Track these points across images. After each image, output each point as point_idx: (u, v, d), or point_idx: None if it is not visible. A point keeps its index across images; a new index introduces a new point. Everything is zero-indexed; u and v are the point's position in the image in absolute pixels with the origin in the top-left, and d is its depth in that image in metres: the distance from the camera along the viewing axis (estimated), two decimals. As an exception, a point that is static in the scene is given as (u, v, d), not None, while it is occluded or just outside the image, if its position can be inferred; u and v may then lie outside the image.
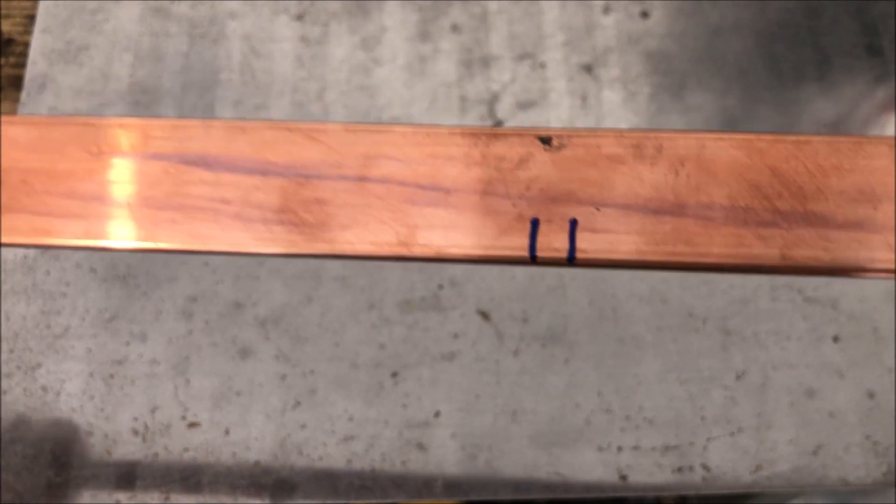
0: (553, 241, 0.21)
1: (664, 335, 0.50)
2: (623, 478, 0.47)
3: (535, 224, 0.21)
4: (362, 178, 0.21)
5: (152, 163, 0.21)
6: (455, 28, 0.58)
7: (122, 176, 0.21)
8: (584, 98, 0.56)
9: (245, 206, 0.21)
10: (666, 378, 0.49)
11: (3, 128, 0.21)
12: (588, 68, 0.57)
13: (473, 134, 0.22)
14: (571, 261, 0.21)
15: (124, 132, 0.22)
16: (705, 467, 0.47)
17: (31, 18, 0.60)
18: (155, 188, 0.21)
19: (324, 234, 0.21)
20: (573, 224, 0.21)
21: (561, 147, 0.21)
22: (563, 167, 0.21)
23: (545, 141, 0.21)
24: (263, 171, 0.21)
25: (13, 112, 0.66)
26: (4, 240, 0.21)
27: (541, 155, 0.21)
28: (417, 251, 0.21)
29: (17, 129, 0.22)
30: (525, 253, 0.21)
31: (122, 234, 0.21)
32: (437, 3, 0.59)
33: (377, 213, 0.21)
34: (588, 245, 0.21)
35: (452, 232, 0.21)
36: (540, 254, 0.21)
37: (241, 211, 0.21)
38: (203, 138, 0.21)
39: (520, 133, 0.22)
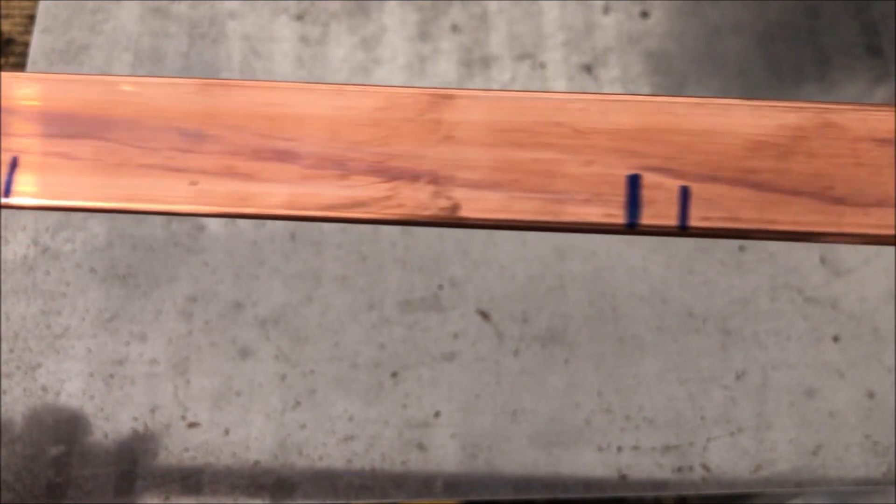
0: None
1: (664, 335, 0.50)
2: (623, 477, 0.47)
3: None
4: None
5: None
6: (455, 28, 0.58)
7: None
8: (584, 98, 0.56)
9: None
10: (666, 378, 0.49)
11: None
12: (588, 68, 0.57)
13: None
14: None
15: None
16: (705, 467, 0.47)
17: (31, 18, 0.60)
18: None
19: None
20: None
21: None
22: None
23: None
24: None
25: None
26: None
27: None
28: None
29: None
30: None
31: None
32: (437, 3, 0.59)
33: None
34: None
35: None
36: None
37: None
38: None
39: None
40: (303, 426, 0.48)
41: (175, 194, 0.21)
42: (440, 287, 0.51)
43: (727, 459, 0.47)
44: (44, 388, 0.48)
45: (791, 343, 0.50)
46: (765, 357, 0.49)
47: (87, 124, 0.22)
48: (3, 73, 0.22)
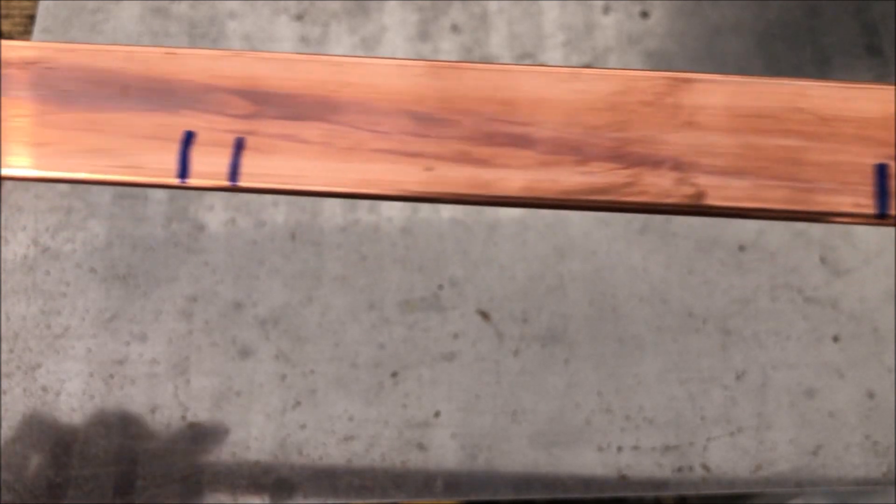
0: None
1: (664, 335, 0.50)
2: (623, 477, 0.47)
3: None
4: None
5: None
6: (455, 28, 0.58)
7: None
8: (584, 98, 0.56)
9: None
10: (666, 378, 0.49)
11: None
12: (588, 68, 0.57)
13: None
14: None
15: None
16: (705, 467, 0.47)
17: (31, 18, 0.60)
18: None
19: None
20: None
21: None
22: None
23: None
24: None
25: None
26: None
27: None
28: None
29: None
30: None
31: None
32: (437, 3, 0.59)
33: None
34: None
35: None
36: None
37: None
38: None
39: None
40: (303, 426, 0.48)
41: (410, 179, 0.21)
42: (440, 287, 0.51)
43: (727, 459, 0.47)
44: (44, 388, 0.48)
45: (791, 343, 0.50)
46: (765, 357, 0.49)
47: (313, 106, 0.21)
48: (214, 51, 0.21)
